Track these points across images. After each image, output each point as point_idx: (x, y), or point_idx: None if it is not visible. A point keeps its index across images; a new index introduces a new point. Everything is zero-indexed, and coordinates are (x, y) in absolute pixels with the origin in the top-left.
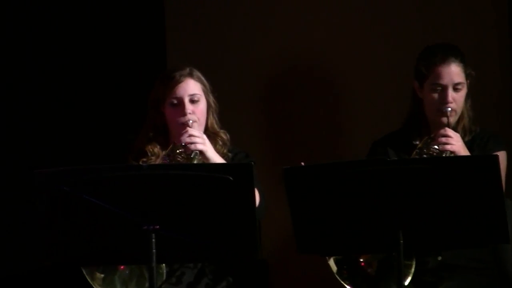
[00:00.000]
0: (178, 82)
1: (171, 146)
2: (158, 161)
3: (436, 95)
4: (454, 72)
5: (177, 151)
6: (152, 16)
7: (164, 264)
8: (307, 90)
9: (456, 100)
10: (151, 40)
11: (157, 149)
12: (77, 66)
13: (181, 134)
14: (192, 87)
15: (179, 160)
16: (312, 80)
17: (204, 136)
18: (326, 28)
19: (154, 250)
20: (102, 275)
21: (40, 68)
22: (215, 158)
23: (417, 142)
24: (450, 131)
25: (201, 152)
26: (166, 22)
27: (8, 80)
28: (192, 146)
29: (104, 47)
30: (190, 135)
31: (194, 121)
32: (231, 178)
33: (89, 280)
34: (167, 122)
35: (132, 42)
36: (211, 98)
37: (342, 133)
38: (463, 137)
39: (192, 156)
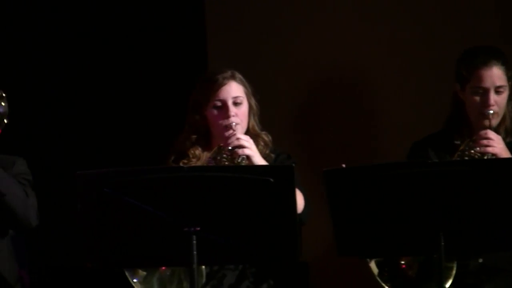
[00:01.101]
0: (222, 84)
1: (216, 148)
2: (202, 163)
3: (477, 98)
4: (495, 75)
5: (223, 154)
6: (193, 19)
7: (204, 266)
8: (346, 92)
9: (498, 102)
10: (192, 42)
11: (198, 152)
12: (119, 68)
13: (228, 137)
14: (235, 90)
15: (224, 163)
16: (351, 82)
17: (251, 141)
18: (360, 32)
19: (195, 252)
20: (145, 273)
21: (83, 69)
22: (260, 162)
23: (458, 143)
24: (491, 134)
25: (248, 157)
26: (206, 24)
27: (52, 83)
28: (240, 151)
29: (146, 49)
30: (238, 138)
31: (237, 124)
32: (271, 180)
33: (128, 277)
34: (209, 125)
35: (173, 45)
36: (253, 100)
37: (380, 135)
38: (504, 139)
39: (239, 161)
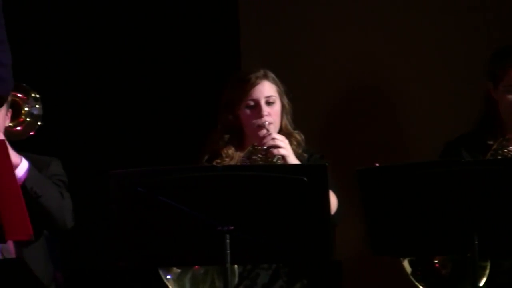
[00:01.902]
0: (254, 84)
1: (250, 148)
2: (235, 163)
3: (511, 97)
4: None
5: (258, 154)
6: (226, 18)
7: (236, 266)
8: (379, 91)
9: None
10: (225, 41)
11: (231, 151)
12: (151, 68)
13: (263, 137)
14: (268, 89)
15: (259, 163)
16: (383, 82)
17: (287, 141)
18: (392, 30)
19: (228, 251)
20: (179, 270)
21: (115, 69)
22: (295, 162)
23: (491, 142)
24: None
25: (283, 157)
26: (240, 23)
27: (86, 84)
28: (275, 151)
29: (179, 49)
30: (274, 138)
31: (270, 123)
32: (305, 179)
33: (161, 274)
34: (242, 124)
35: (206, 44)
36: (285, 100)
37: (412, 135)
38: None
39: (274, 161)
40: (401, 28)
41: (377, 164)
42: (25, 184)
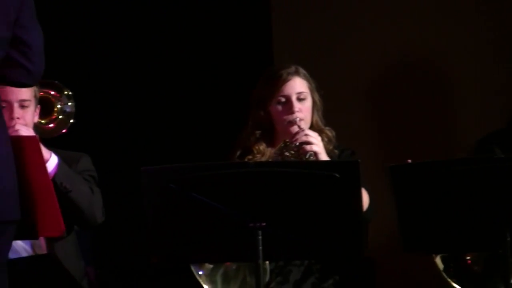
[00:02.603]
0: (286, 80)
1: (281, 144)
2: (267, 159)
3: None
4: None
5: (290, 150)
6: (259, 14)
7: (268, 263)
8: (411, 87)
9: None
10: (258, 38)
11: (263, 147)
12: (185, 65)
13: (295, 133)
14: (299, 85)
15: (290, 159)
16: (415, 77)
17: (319, 138)
18: (429, 24)
19: (260, 248)
20: (211, 266)
21: (148, 66)
22: (326, 159)
23: None
24: None
25: (315, 154)
26: (272, 20)
27: (117, 79)
28: (308, 147)
29: (213, 46)
30: (307, 135)
31: (301, 119)
32: (337, 176)
33: (193, 269)
34: (273, 121)
35: (239, 41)
36: (316, 96)
37: (445, 131)
38: None
39: (306, 157)
40: (434, 21)
41: (409, 161)
42: (54, 179)
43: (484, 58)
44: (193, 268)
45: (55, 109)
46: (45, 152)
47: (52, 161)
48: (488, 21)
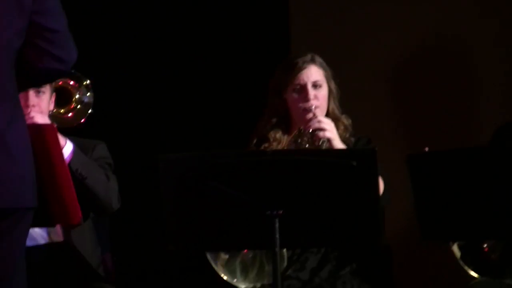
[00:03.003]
0: (301, 68)
1: (296, 132)
2: (283, 147)
3: None
4: None
5: (304, 137)
6: (277, 4)
7: (285, 250)
8: (431, 75)
9: None
10: (275, 27)
11: (279, 135)
12: (203, 53)
13: (308, 120)
14: (314, 74)
15: (305, 147)
16: (436, 65)
17: (332, 124)
18: (453, 10)
19: (277, 236)
20: (227, 256)
21: (165, 52)
22: (340, 146)
23: None
24: None
25: (329, 140)
26: (290, 9)
27: (133, 67)
28: (321, 134)
29: (231, 35)
30: (320, 121)
31: (317, 107)
32: (354, 164)
33: (211, 260)
34: (289, 108)
35: (257, 31)
36: (333, 84)
37: (466, 118)
38: None
39: (320, 143)
40: (458, 7)
41: (426, 149)
42: (70, 166)
43: (507, 43)
44: (210, 259)
45: (73, 99)
46: (60, 139)
47: (67, 148)
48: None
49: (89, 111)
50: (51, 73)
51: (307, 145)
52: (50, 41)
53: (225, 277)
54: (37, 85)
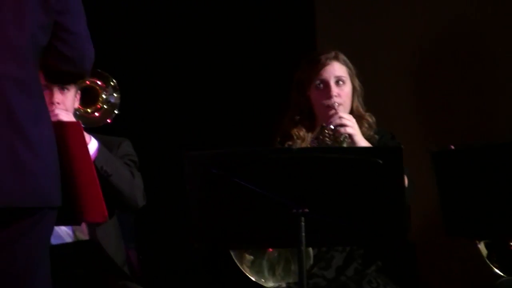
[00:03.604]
0: (324, 65)
1: (319, 128)
2: (306, 144)
3: None
4: None
5: (326, 134)
6: (302, 2)
7: (311, 248)
8: (454, 73)
9: None
10: (301, 26)
11: (302, 132)
12: (228, 50)
13: (330, 116)
14: (337, 70)
15: (327, 143)
16: (459, 60)
17: (353, 120)
18: (478, 5)
19: (303, 234)
20: (252, 257)
21: (191, 51)
22: (362, 142)
23: None
24: None
25: (350, 136)
26: (315, 7)
27: (159, 65)
28: (342, 130)
29: (256, 31)
30: (341, 117)
31: (340, 104)
32: (380, 162)
33: (237, 261)
34: (313, 105)
35: (283, 28)
36: (356, 82)
37: (491, 116)
38: None
39: (341, 139)
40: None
41: (452, 147)
42: (95, 163)
43: None
44: (235, 259)
45: (100, 98)
46: (85, 136)
47: (92, 146)
48: None
49: (116, 111)
50: (63, 75)
51: (329, 142)
52: (65, 41)
53: (253, 278)
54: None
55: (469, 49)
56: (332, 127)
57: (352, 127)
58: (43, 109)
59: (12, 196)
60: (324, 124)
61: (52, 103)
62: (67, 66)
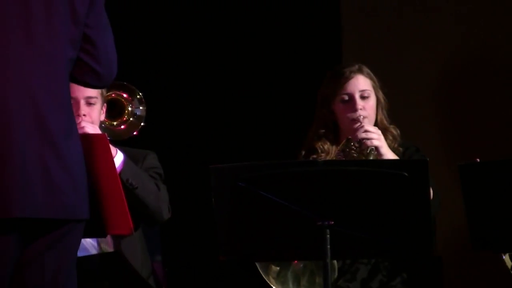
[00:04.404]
0: (349, 78)
1: (344, 141)
2: (331, 157)
3: None
4: None
5: (352, 147)
6: (329, 15)
7: (335, 261)
8: (479, 85)
9: None
10: (328, 41)
11: (327, 146)
12: (253, 65)
13: (356, 130)
14: (362, 83)
15: (353, 156)
16: (485, 74)
17: (379, 132)
18: (497, 23)
19: (328, 246)
20: (278, 268)
21: (216, 64)
22: (388, 154)
23: None
24: None
25: (376, 148)
26: (342, 21)
27: (185, 79)
28: (368, 142)
29: (284, 48)
30: (366, 131)
31: (365, 117)
32: (406, 174)
33: (262, 273)
34: (337, 119)
35: (309, 44)
36: (381, 94)
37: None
38: None
39: (368, 152)
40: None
41: (477, 159)
42: (121, 176)
43: None
44: (261, 271)
45: (126, 111)
46: (111, 149)
47: (118, 158)
48: None
49: (142, 124)
50: (90, 87)
51: (355, 154)
52: (91, 54)
53: None
54: None
55: (491, 63)
56: (358, 140)
57: (378, 139)
58: (73, 122)
59: (42, 208)
60: (349, 137)
61: (79, 115)
62: (93, 80)
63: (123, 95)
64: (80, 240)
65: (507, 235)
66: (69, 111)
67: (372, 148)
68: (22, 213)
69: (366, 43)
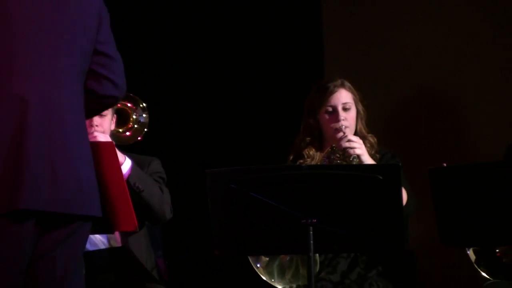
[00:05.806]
0: (332, 92)
1: (329, 149)
2: (316, 162)
3: None
4: None
5: (336, 154)
6: (311, 34)
7: (318, 255)
8: (440, 100)
9: None
10: (311, 55)
11: (312, 152)
12: (243, 75)
13: (340, 139)
14: (344, 97)
15: (338, 162)
16: (448, 85)
17: (361, 141)
18: (447, 54)
19: (311, 242)
20: (267, 259)
21: (211, 75)
22: (369, 161)
23: None
24: None
25: (358, 156)
26: (324, 39)
27: (182, 89)
28: (351, 151)
29: (270, 59)
30: (349, 140)
31: (346, 127)
32: (380, 177)
33: (252, 262)
34: (322, 128)
35: (293, 56)
36: (360, 106)
37: (475, 137)
38: None
39: (351, 159)
40: (463, 43)
41: (444, 164)
42: (128, 180)
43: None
44: (251, 261)
45: (131, 119)
46: (120, 156)
47: (126, 164)
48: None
49: (145, 130)
50: (110, 99)
51: (339, 161)
52: (107, 67)
53: (264, 278)
54: (99, 112)
55: (446, 86)
56: (342, 148)
57: (360, 148)
58: (84, 128)
59: (47, 203)
60: (334, 145)
61: (92, 126)
62: (113, 90)
63: (127, 105)
64: (87, 240)
65: (471, 232)
66: (81, 118)
67: (355, 156)
68: (28, 206)
69: (347, 57)
